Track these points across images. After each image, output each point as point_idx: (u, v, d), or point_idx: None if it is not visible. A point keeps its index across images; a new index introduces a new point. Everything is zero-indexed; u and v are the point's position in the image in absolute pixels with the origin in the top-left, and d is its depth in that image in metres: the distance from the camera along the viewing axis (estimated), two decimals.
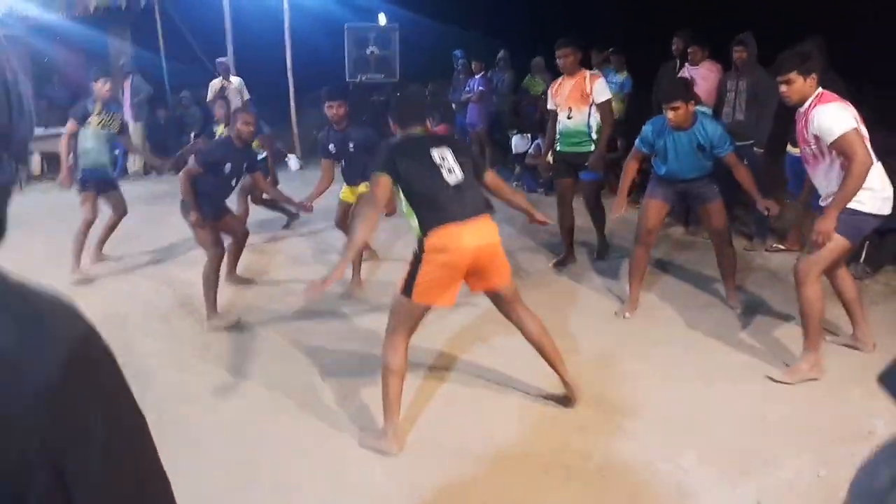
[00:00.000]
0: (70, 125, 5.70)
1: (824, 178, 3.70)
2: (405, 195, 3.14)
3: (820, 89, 3.64)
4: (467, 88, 10.23)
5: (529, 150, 9.19)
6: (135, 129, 10.56)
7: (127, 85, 10.47)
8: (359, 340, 4.37)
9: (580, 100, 5.36)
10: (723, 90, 6.22)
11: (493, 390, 3.72)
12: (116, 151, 10.70)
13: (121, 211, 5.91)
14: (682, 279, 5.48)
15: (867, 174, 3.47)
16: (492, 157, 9.78)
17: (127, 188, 8.87)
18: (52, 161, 9.32)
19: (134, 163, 10.30)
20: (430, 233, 3.04)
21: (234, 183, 4.91)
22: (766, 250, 6.04)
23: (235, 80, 9.76)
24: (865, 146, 3.49)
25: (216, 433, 3.38)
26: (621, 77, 8.45)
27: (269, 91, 12.06)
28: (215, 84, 9.58)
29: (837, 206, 3.52)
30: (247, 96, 9.80)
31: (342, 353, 4.24)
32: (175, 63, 11.40)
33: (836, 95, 3.64)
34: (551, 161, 5.74)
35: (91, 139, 5.68)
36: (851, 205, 3.53)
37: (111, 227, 5.97)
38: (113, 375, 0.71)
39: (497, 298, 3.35)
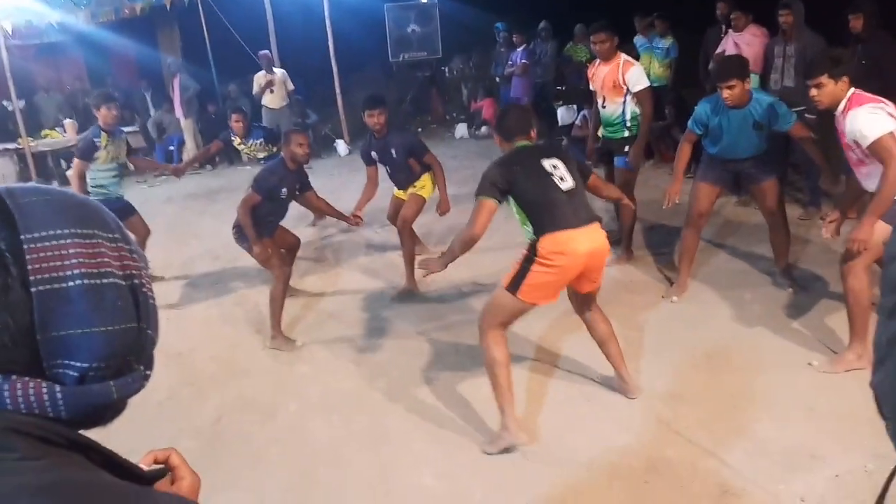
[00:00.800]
0: (79, 166, 5.31)
1: (873, 181, 3.53)
2: (519, 204, 3.21)
3: (852, 90, 3.48)
4: (510, 62, 10.13)
5: (576, 122, 9.08)
6: (186, 125, 10.88)
7: (176, 83, 10.75)
8: (412, 351, 4.50)
9: (613, 90, 5.13)
10: (770, 56, 6.01)
11: (542, 383, 3.79)
12: (172, 147, 11.10)
13: (143, 233, 5.65)
14: (733, 256, 5.40)
15: None
16: (538, 129, 9.68)
17: (183, 182, 9.20)
18: None
19: (187, 156, 10.47)
20: (545, 237, 3.11)
21: (288, 204, 4.81)
22: (822, 218, 5.85)
23: (279, 72, 9.86)
24: None
25: (274, 443, 3.56)
26: (667, 42, 8.22)
27: (314, 77, 12.21)
28: (260, 77, 9.73)
29: (874, 214, 3.38)
30: (291, 87, 9.94)
31: (399, 363, 4.36)
32: (221, 58, 11.61)
33: (868, 95, 3.45)
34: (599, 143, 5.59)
35: (102, 175, 5.42)
36: None
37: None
38: None
39: (583, 297, 3.47)
